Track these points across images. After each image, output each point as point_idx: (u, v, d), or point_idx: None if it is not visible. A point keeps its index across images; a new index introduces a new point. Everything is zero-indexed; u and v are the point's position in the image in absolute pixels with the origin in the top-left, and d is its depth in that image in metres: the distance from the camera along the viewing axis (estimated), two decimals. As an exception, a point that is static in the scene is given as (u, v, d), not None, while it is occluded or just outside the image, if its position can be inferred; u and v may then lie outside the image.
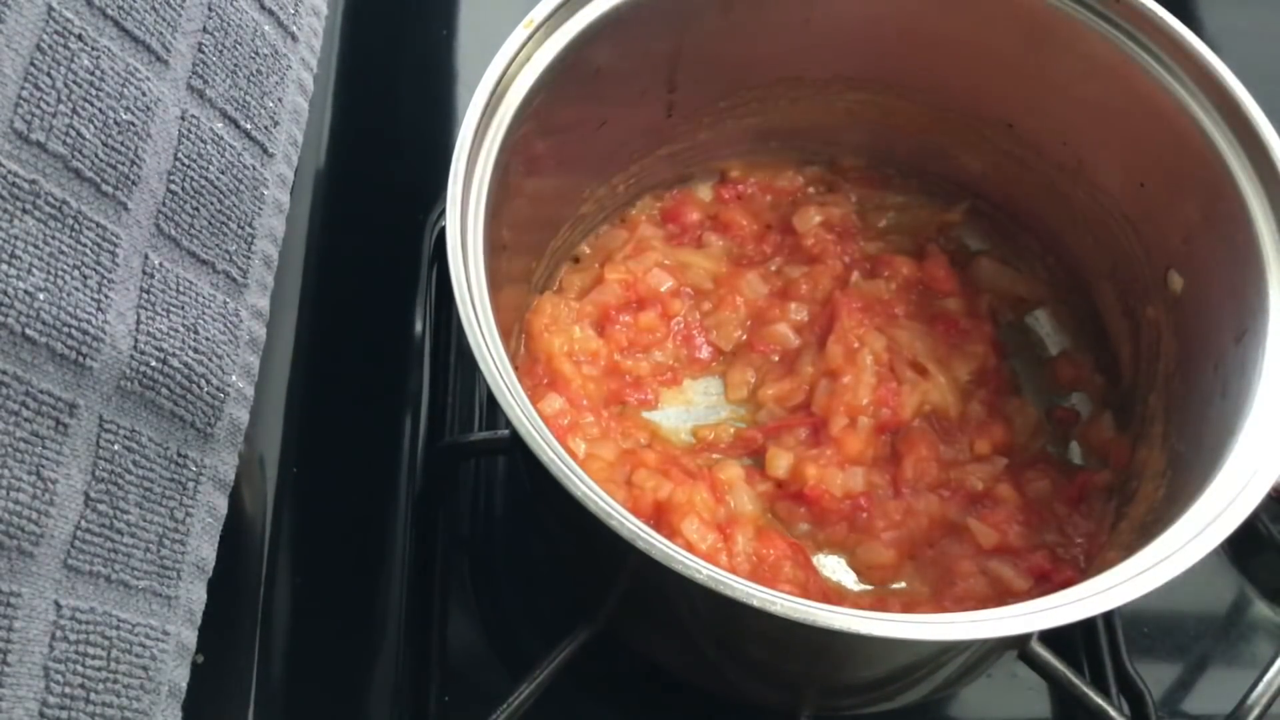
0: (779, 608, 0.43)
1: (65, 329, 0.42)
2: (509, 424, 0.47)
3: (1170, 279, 0.61)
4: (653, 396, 0.69)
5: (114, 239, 0.45)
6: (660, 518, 0.61)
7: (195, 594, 0.48)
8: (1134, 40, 0.59)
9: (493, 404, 0.71)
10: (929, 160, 0.73)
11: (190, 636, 0.47)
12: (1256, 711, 0.60)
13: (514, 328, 0.65)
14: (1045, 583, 0.62)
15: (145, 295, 0.46)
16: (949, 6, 0.63)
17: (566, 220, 0.69)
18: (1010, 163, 0.69)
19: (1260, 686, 0.61)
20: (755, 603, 0.43)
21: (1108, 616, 0.66)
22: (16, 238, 0.40)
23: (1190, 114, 0.57)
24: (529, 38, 0.56)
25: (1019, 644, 0.58)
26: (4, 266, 0.40)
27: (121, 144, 0.45)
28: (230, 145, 0.52)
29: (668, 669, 0.60)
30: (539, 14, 0.56)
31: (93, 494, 0.43)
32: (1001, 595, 0.61)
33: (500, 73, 0.55)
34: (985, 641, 0.52)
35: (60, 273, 0.42)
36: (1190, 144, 0.57)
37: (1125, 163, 0.63)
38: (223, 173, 0.51)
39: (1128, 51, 0.59)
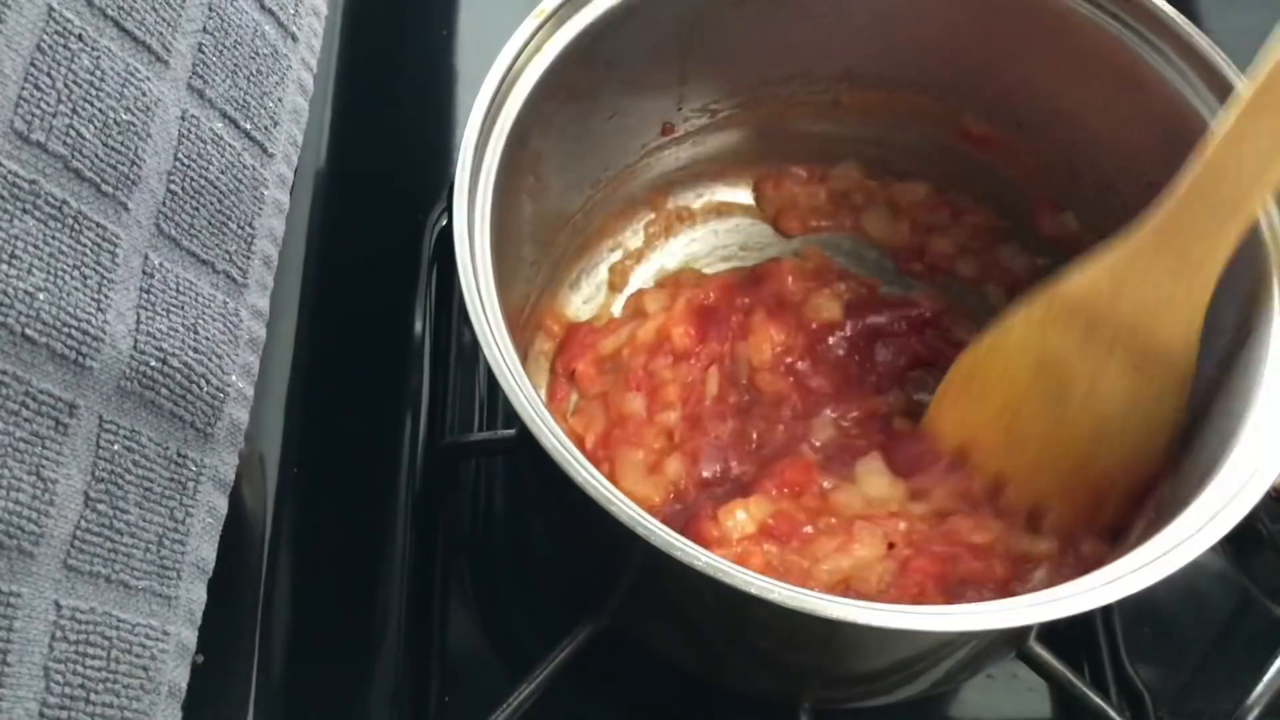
0: (776, 595, 0.43)
1: (65, 329, 0.42)
2: (510, 407, 0.47)
3: None
4: None
5: (114, 239, 0.45)
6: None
7: (195, 594, 0.48)
8: (1144, 40, 0.59)
9: (493, 404, 0.71)
10: (934, 162, 0.73)
11: (190, 636, 0.47)
12: (1257, 711, 0.60)
13: (518, 320, 0.65)
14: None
15: (145, 295, 0.46)
16: (960, 4, 0.63)
17: (575, 212, 0.69)
18: (1017, 162, 0.70)
19: (1260, 686, 0.61)
20: (753, 590, 0.43)
21: (1107, 616, 0.66)
22: (16, 238, 0.40)
23: (1198, 114, 0.57)
24: (539, 28, 0.56)
25: (1018, 640, 0.58)
26: (4, 266, 0.40)
27: (121, 144, 0.45)
28: (230, 145, 0.52)
29: (669, 662, 0.60)
30: (549, 4, 0.56)
31: (93, 494, 0.43)
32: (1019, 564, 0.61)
33: (510, 62, 0.55)
34: (984, 634, 0.52)
35: (60, 273, 0.42)
36: (1197, 142, 0.57)
37: (1133, 162, 0.63)
38: (223, 173, 0.51)
39: (1138, 51, 0.59)
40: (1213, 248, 0.52)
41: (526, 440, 0.46)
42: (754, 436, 0.67)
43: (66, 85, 0.43)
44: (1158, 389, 0.56)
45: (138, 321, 0.45)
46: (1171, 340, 0.54)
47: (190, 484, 0.48)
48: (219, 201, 0.51)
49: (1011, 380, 0.59)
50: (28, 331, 0.40)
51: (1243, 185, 0.50)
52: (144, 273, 0.47)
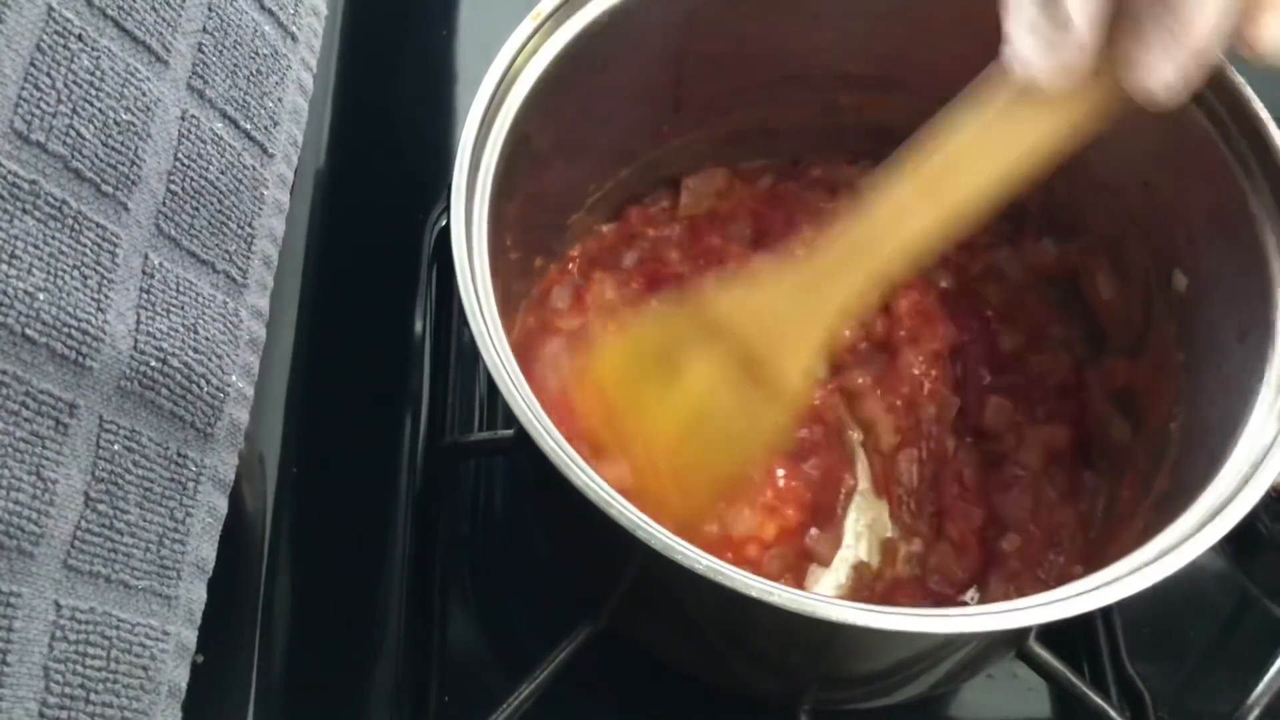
0: (777, 598, 0.43)
1: (65, 329, 0.42)
2: (508, 411, 0.47)
3: (1175, 279, 0.61)
4: None
5: (114, 239, 0.45)
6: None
7: (195, 594, 0.48)
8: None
9: (493, 404, 0.71)
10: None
11: (190, 636, 0.47)
12: (1257, 712, 0.60)
13: (514, 325, 0.65)
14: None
15: (145, 295, 0.46)
16: (958, 5, 0.63)
17: (571, 215, 0.69)
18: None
19: (1260, 687, 0.61)
20: (753, 593, 0.43)
21: (1107, 616, 0.66)
22: (16, 238, 0.40)
23: (1195, 113, 0.57)
24: (535, 30, 0.56)
25: (1018, 640, 0.58)
26: (4, 266, 0.40)
27: (121, 144, 0.45)
28: (230, 145, 0.52)
29: (668, 663, 0.60)
30: (546, 7, 0.56)
31: (93, 494, 0.43)
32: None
33: (506, 65, 0.55)
34: (984, 635, 0.52)
35: (60, 273, 0.42)
36: (1195, 143, 0.57)
37: (1130, 162, 0.63)
38: (223, 173, 0.51)
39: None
40: (842, 294, 0.54)
41: (525, 442, 0.46)
42: None
43: (66, 85, 0.43)
44: (760, 405, 0.58)
45: (138, 321, 0.45)
46: (781, 372, 0.56)
47: (190, 484, 0.48)
48: (219, 201, 0.51)
49: (638, 360, 0.61)
50: (28, 331, 0.40)
51: (883, 244, 0.53)
52: (144, 273, 0.47)
